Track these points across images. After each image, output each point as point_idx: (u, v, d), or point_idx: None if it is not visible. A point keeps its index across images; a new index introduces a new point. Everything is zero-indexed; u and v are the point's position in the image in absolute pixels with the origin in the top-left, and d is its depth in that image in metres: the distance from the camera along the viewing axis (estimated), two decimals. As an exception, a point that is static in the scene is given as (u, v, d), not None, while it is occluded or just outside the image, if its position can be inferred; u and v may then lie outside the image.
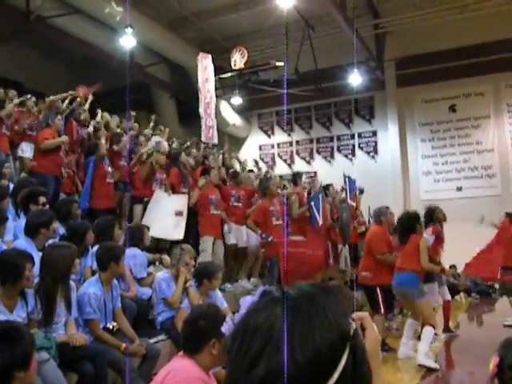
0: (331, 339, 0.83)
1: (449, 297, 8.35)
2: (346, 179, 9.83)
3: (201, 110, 9.03)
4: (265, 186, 8.38)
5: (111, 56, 15.05)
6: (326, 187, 10.49)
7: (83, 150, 8.66)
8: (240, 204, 8.62)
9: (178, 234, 7.57)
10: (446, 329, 8.17)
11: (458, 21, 15.42)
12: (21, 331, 2.16)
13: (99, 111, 10.49)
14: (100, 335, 4.42)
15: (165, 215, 7.56)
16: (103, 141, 8.02)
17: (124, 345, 4.40)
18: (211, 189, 8.05)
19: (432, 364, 6.15)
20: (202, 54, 9.74)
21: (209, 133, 9.06)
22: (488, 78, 16.56)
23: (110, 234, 5.48)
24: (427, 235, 6.83)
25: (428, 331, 6.27)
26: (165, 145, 9.07)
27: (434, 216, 7.32)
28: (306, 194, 9.37)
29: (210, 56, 9.85)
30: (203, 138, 9.18)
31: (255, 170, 13.12)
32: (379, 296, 6.95)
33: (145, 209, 7.95)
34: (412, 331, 6.74)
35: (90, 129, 9.27)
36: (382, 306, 6.93)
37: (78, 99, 9.61)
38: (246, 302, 1.00)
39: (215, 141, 9.44)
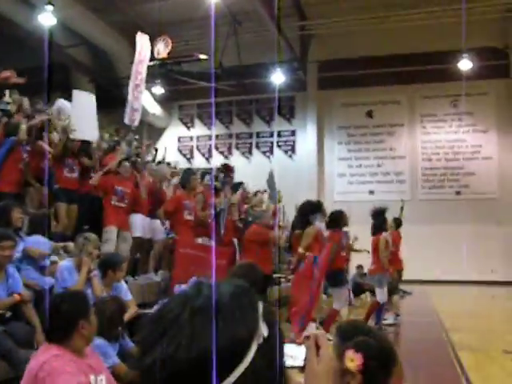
0: (234, 338, 0.81)
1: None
2: (268, 177, 9.84)
3: (129, 90, 8.72)
4: (186, 180, 8.24)
5: (29, 33, 14.43)
6: (238, 185, 10.52)
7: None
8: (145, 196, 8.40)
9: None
10: None
11: (381, 30, 15.93)
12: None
13: (7, 91, 9.98)
14: None
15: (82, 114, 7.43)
16: (24, 126, 7.59)
17: (17, 296, 4.41)
18: (119, 180, 7.66)
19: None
20: (140, 34, 9.43)
21: (132, 115, 8.79)
22: (405, 88, 17.27)
23: (7, 218, 5.24)
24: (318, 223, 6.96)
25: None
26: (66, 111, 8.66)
27: (340, 221, 7.53)
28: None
29: (147, 37, 9.56)
30: (126, 120, 8.87)
31: (157, 157, 12.87)
32: None
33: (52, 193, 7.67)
34: None
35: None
36: None
37: None
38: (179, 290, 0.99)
39: (136, 124, 9.17)
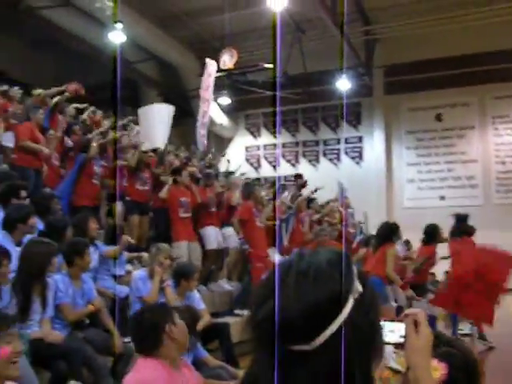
0: (333, 293, 0.94)
1: None
2: (341, 189, 9.75)
3: (199, 119, 9.04)
4: (248, 191, 8.27)
5: (99, 50, 14.97)
6: (310, 200, 10.48)
7: (74, 148, 8.42)
8: (214, 208, 8.49)
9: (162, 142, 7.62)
10: None
11: (447, 31, 15.56)
12: None
13: (88, 106, 10.39)
14: (73, 315, 4.47)
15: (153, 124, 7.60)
16: (95, 143, 7.89)
17: (92, 307, 4.47)
18: (181, 191, 7.80)
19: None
20: (209, 61, 9.64)
21: (201, 139, 9.17)
22: (474, 89, 16.73)
23: (84, 228, 5.43)
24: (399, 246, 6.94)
25: None
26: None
27: (436, 236, 7.42)
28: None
29: (215, 63, 9.75)
30: (200, 147, 9.25)
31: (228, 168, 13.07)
32: None
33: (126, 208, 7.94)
34: None
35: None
36: None
37: (67, 93, 9.35)
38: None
39: (205, 148, 9.52)
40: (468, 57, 16.08)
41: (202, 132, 9.45)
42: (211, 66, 9.69)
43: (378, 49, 17.55)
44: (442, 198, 16.86)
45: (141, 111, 8.01)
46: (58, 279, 4.43)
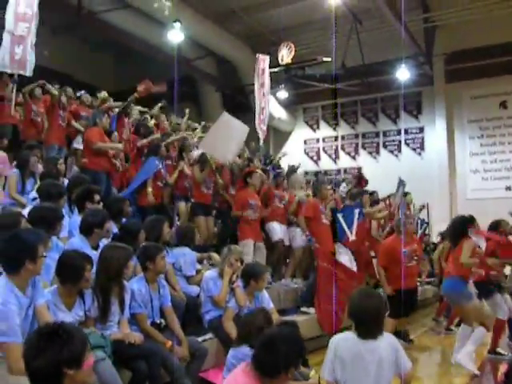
0: None
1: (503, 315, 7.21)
2: (400, 186, 9.50)
3: (256, 117, 9.07)
4: (317, 189, 8.35)
5: (158, 49, 15.24)
6: (370, 194, 10.28)
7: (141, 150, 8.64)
8: (282, 205, 8.58)
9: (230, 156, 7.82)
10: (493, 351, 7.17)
11: (508, 15, 15.05)
12: (70, 331, 2.23)
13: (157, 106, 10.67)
14: (147, 330, 4.51)
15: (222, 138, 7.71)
16: (162, 145, 8.15)
17: (170, 342, 4.49)
18: (250, 193, 7.94)
19: (471, 367, 5.96)
20: (260, 56, 9.63)
21: (262, 137, 9.27)
22: (541, 74, 16.11)
23: (158, 232, 5.55)
24: (476, 238, 6.67)
25: (479, 331, 6.11)
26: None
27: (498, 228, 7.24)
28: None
29: (267, 58, 9.75)
30: (261, 139, 9.33)
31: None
32: (391, 299, 7.09)
33: (190, 207, 8.13)
34: (465, 337, 6.33)
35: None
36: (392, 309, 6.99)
37: (135, 94, 9.45)
38: None
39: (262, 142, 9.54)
40: (531, 41, 15.50)
41: (262, 128, 9.47)
42: (263, 61, 9.64)
43: (438, 36, 17.13)
44: (508, 188, 16.35)
45: (221, 119, 7.98)
46: (133, 288, 4.56)
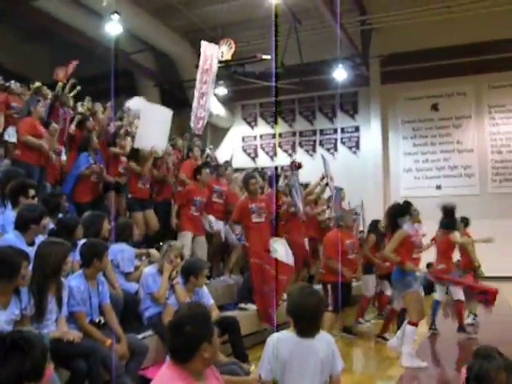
0: None
1: (459, 296, 7.96)
2: (324, 161, 9.91)
3: (194, 100, 8.80)
4: (245, 184, 7.99)
5: (96, 42, 14.91)
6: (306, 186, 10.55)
7: (73, 143, 8.40)
8: (221, 200, 8.50)
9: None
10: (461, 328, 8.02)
11: (443, 21, 15.61)
12: (32, 340, 2.16)
13: (87, 98, 10.37)
14: (86, 328, 4.40)
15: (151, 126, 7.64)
16: (95, 138, 7.89)
17: (109, 341, 4.40)
18: (198, 190, 7.85)
19: (418, 363, 6.12)
20: (204, 43, 9.46)
21: (198, 124, 8.87)
22: (471, 79, 16.83)
23: (98, 228, 5.44)
24: (406, 226, 6.74)
25: (409, 331, 6.24)
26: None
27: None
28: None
29: (216, 46, 9.59)
30: (193, 129, 8.99)
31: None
32: (329, 292, 7.61)
33: (126, 203, 8.01)
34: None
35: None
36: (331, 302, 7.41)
37: (60, 83, 9.25)
38: None
39: (201, 132, 9.27)
40: (464, 46, 16.14)
41: (200, 114, 9.09)
42: (208, 47, 9.43)
43: (375, 39, 17.56)
44: (439, 187, 17.00)
45: (143, 110, 7.90)
46: (72, 285, 4.45)
